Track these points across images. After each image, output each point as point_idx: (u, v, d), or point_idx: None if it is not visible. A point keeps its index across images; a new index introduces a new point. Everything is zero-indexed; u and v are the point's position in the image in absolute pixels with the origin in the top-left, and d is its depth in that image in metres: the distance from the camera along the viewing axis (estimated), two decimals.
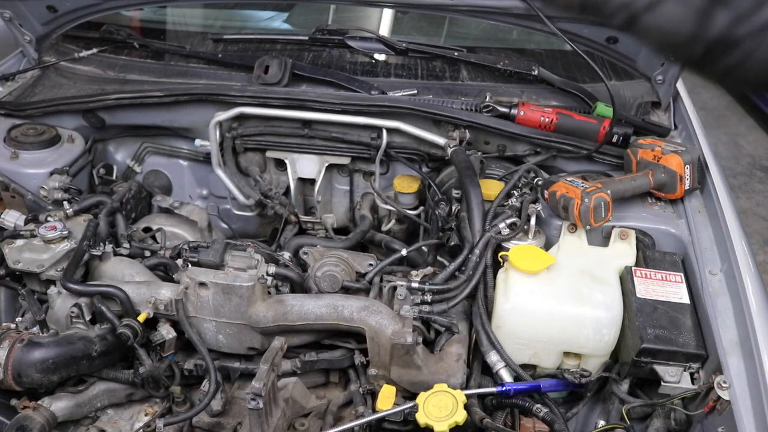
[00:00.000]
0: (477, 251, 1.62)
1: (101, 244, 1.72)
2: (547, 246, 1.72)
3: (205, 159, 2.13)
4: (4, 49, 2.34)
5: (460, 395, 1.40)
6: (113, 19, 2.31)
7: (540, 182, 1.78)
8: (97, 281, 1.68)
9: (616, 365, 1.56)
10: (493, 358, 1.56)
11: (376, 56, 2.19)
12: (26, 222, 1.76)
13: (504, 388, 1.50)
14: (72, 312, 1.58)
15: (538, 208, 1.69)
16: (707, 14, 0.34)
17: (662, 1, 0.35)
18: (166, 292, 1.61)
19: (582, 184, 1.62)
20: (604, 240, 1.70)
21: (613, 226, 1.67)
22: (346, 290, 1.74)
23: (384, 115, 1.92)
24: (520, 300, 1.54)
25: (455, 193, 1.83)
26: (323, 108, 1.92)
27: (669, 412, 1.45)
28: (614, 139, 1.90)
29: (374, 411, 1.49)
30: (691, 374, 1.44)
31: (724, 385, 1.30)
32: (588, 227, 1.62)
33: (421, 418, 1.38)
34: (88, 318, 1.59)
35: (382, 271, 1.76)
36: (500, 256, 1.64)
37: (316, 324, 1.60)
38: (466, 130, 1.91)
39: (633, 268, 1.58)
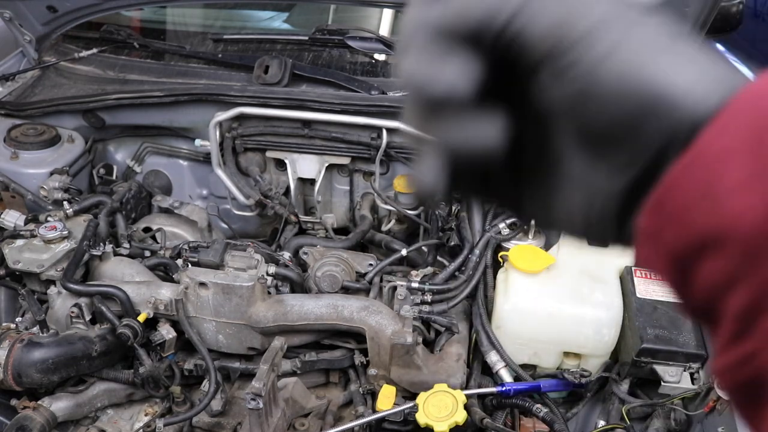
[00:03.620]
0: (477, 251, 1.62)
1: (101, 244, 1.72)
2: (547, 246, 1.71)
3: (205, 159, 2.13)
4: (4, 49, 2.34)
5: (460, 395, 1.40)
6: (113, 19, 2.30)
7: None
8: (97, 281, 1.68)
9: (616, 365, 1.56)
10: (493, 358, 1.56)
11: (376, 56, 2.19)
12: (26, 222, 1.76)
13: (504, 388, 1.50)
14: (72, 312, 1.58)
15: None
16: None
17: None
18: (166, 292, 1.61)
19: None
20: None
21: None
22: (346, 290, 1.74)
23: (384, 115, 1.91)
24: (520, 300, 1.54)
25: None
26: (323, 108, 1.91)
27: (669, 412, 1.45)
28: None
29: (374, 411, 1.49)
30: (691, 374, 1.44)
31: None
32: None
33: (421, 418, 1.38)
34: (88, 318, 1.59)
35: (382, 271, 1.76)
36: (500, 256, 1.64)
37: (316, 324, 1.60)
38: None
39: (633, 267, 1.58)
